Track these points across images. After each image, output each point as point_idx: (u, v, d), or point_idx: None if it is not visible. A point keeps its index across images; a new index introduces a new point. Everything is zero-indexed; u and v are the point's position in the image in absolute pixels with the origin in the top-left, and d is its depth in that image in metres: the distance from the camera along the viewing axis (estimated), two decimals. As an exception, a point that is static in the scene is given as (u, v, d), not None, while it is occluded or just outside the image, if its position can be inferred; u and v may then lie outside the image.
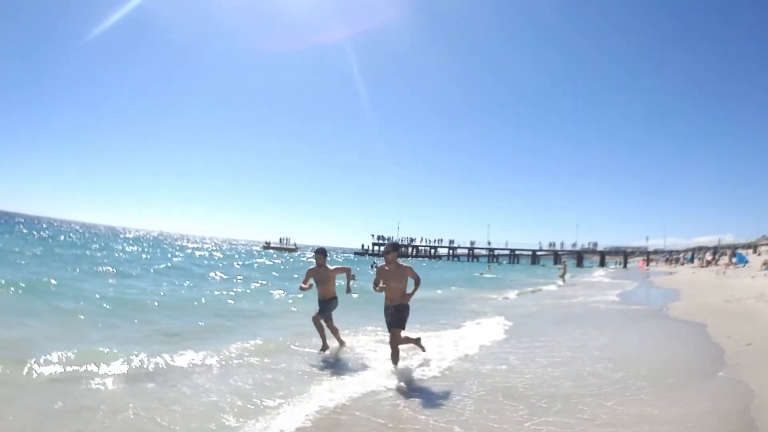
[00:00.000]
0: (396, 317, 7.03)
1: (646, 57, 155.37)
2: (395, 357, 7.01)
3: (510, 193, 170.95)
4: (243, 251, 67.04)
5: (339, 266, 8.82)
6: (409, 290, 7.17)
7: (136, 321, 9.75)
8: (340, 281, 8.62)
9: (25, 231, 50.50)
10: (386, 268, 7.12)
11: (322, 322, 8.20)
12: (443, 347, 8.51)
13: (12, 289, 11.38)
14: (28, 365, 5.82)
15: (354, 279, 8.64)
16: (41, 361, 5.97)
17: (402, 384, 6.13)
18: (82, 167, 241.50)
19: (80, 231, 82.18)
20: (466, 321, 12.09)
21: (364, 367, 7.11)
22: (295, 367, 6.96)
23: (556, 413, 5.05)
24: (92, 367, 6.01)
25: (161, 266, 24.97)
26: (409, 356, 7.61)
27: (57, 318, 9.19)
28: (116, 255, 30.87)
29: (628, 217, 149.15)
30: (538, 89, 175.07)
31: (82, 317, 9.44)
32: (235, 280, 21.14)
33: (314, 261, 8.41)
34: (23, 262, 18.96)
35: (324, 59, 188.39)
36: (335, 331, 8.44)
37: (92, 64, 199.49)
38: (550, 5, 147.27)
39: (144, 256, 33.13)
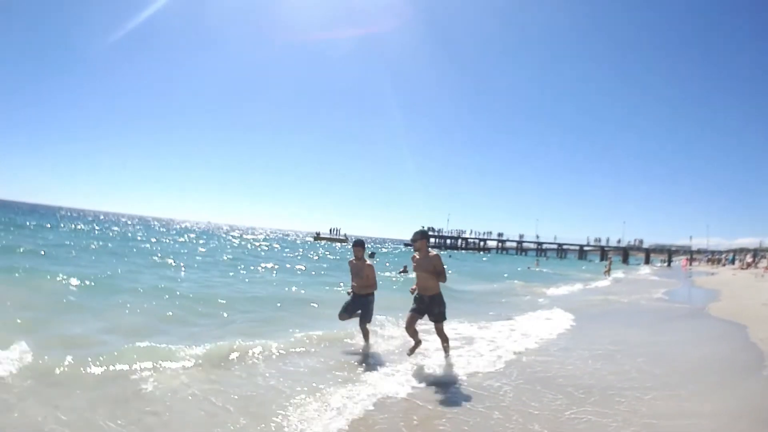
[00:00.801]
0: (433, 311, 6.79)
1: (695, 54, 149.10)
2: (445, 347, 6.95)
3: (559, 188, 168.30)
4: (297, 241, 67.95)
5: (372, 268, 8.05)
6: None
7: (210, 313, 9.91)
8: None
9: (82, 226, 49.94)
10: (416, 257, 6.88)
11: (360, 325, 7.89)
12: (494, 338, 8.73)
13: (86, 282, 11.69)
14: (102, 360, 5.83)
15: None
16: (114, 354, 5.99)
17: (448, 374, 6.35)
18: (130, 160, 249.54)
19: (134, 223, 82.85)
20: (515, 313, 12.28)
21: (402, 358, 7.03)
22: (349, 359, 7.06)
23: (594, 404, 5.25)
24: (157, 361, 5.98)
25: (225, 257, 26.21)
26: (458, 348, 7.64)
27: (126, 311, 9.28)
28: (181, 248, 32.23)
29: (673, 215, 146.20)
30: (587, 87, 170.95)
31: (154, 310, 9.54)
32: (297, 272, 21.81)
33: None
34: (93, 258, 19.41)
35: (379, 50, 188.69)
36: (366, 333, 7.99)
37: (144, 58, 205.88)
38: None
39: (201, 248, 33.94)
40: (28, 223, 41.08)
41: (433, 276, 6.71)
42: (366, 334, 7.99)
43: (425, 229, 6.72)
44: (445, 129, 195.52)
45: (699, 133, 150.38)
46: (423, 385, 5.88)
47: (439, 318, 6.78)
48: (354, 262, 8.10)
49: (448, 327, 7.33)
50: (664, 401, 5.37)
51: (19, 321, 7.50)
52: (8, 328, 6.91)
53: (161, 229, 69.32)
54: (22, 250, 18.28)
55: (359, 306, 7.92)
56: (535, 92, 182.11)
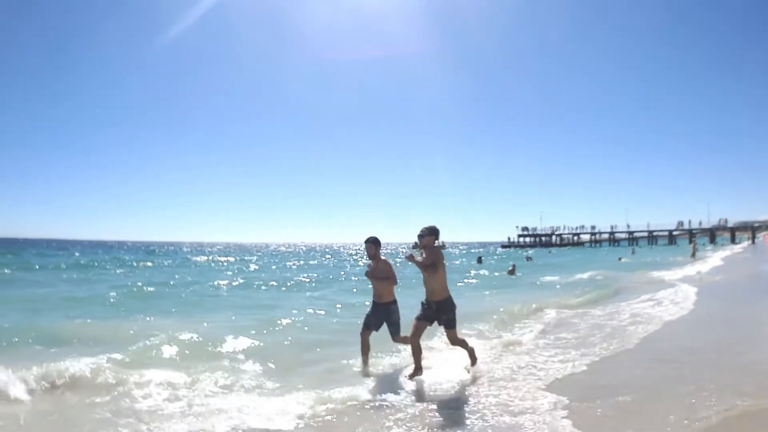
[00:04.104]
0: (441, 318, 6.04)
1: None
2: (471, 356, 6.25)
3: (645, 175, 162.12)
4: (392, 251, 70.40)
5: (389, 263, 6.59)
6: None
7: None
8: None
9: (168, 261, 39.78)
10: (422, 254, 6.12)
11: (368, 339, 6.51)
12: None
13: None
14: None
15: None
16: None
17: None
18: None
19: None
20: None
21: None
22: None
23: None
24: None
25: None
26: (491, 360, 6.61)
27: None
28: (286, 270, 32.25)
29: (756, 190, 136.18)
30: (665, 68, 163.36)
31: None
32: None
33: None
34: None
35: (463, 57, 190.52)
36: (406, 343, 6.36)
37: (179, 77, 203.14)
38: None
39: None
40: (129, 260, 39.90)
41: (440, 277, 6.00)
42: (415, 348, 6.24)
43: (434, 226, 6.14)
44: (532, 127, 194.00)
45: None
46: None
47: (448, 324, 6.05)
48: (371, 264, 6.70)
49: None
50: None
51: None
52: None
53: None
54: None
55: (381, 317, 6.52)
56: (615, 82, 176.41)
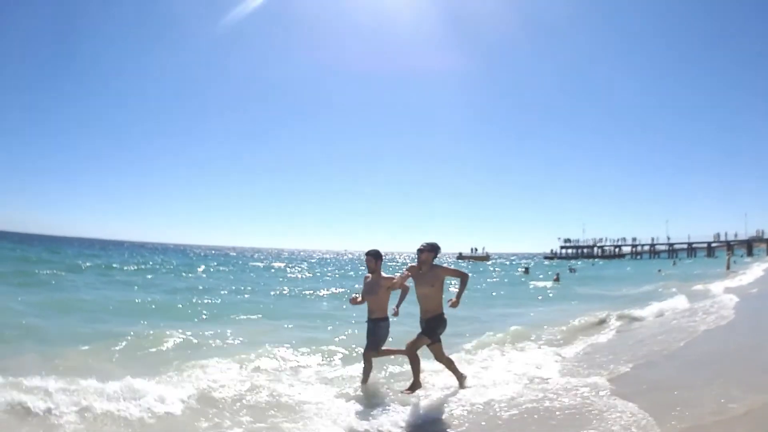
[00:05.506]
0: (426, 326, 5.92)
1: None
2: (454, 372, 6.13)
3: (684, 186, 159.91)
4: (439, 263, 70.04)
5: (389, 276, 6.39)
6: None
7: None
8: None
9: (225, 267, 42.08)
10: (420, 270, 5.96)
11: (371, 357, 6.32)
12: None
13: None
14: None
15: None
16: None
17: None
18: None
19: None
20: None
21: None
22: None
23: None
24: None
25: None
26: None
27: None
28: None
29: None
30: (697, 83, 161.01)
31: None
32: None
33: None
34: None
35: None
36: (367, 368, 6.32)
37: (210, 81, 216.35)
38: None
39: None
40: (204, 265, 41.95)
41: (435, 293, 5.91)
42: (367, 367, 6.31)
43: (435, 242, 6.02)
44: (575, 139, 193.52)
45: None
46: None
47: (426, 331, 5.93)
48: (368, 277, 6.46)
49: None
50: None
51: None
52: None
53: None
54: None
55: (367, 333, 6.34)
56: (653, 95, 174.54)
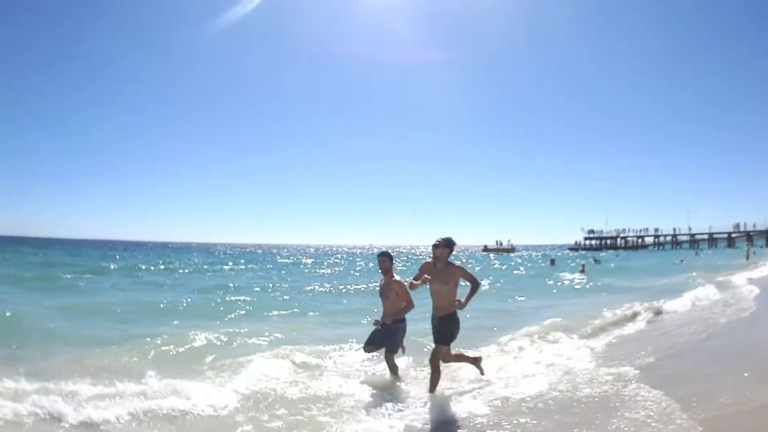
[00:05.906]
0: (440, 331, 5.84)
1: None
2: (433, 379, 5.89)
3: (704, 176, 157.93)
4: (467, 255, 69.72)
5: (399, 281, 6.38)
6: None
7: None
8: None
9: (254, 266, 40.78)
10: (435, 266, 5.79)
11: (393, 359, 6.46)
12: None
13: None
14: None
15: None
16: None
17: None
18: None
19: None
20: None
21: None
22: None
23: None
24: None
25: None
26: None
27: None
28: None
29: None
30: (732, 72, 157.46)
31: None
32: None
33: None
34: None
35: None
36: (392, 367, 6.50)
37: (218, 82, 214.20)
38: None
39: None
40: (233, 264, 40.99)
41: (449, 291, 5.78)
42: (392, 368, 6.48)
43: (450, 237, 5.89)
44: (597, 131, 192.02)
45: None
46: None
47: (442, 339, 5.84)
48: (382, 280, 6.50)
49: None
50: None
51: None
52: None
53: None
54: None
55: (384, 336, 6.40)
56: (674, 86, 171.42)
